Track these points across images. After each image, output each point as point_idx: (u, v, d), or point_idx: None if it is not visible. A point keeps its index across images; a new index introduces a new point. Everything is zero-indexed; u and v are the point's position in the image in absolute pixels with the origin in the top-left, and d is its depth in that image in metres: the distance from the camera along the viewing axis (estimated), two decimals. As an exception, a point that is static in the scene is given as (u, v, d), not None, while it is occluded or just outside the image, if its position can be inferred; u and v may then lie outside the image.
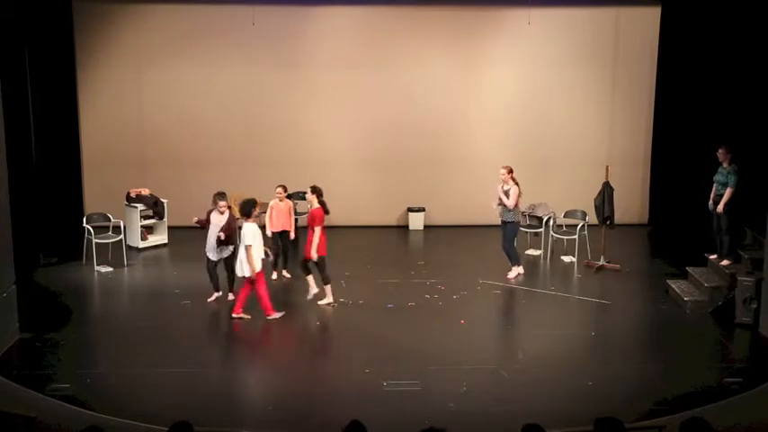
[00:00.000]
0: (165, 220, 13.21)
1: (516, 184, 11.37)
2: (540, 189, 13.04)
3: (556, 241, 12.81)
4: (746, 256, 10.56)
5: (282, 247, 11.25)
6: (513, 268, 11.63)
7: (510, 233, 11.57)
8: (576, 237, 12.27)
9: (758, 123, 11.28)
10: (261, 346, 9.72)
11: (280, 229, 11.06)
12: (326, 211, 10.38)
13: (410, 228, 14.39)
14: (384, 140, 14.21)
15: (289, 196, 11.23)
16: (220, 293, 10.61)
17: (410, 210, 14.40)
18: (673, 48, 13.78)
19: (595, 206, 12.17)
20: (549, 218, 12.80)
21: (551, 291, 11.14)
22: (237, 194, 13.14)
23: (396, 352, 8.97)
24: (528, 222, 12.79)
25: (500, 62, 14.18)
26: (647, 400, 7.83)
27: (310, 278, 10.44)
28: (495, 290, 11.17)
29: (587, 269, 12.07)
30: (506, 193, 11.37)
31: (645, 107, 14.36)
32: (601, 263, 12.05)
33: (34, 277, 11.36)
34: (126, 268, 12.08)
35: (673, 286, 10.83)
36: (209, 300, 10.56)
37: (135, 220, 12.94)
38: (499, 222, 11.71)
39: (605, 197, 11.99)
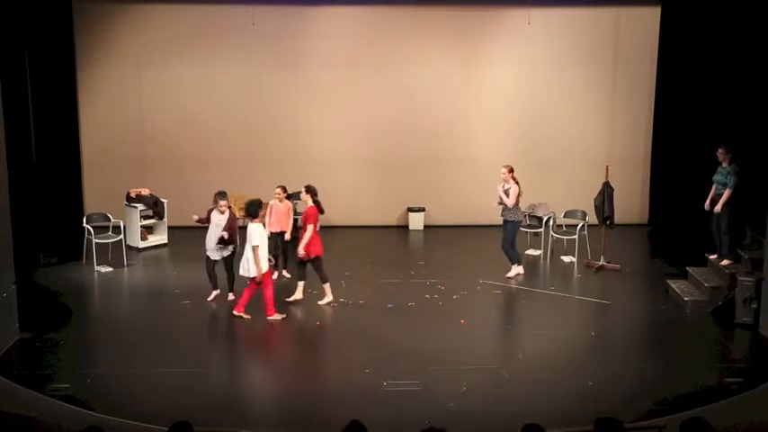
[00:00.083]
0: (165, 220, 13.21)
1: (516, 183, 11.38)
2: (540, 189, 13.04)
3: (556, 241, 12.81)
4: (746, 256, 10.56)
5: (282, 248, 11.26)
6: (513, 267, 11.63)
7: (510, 232, 11.57)
8: (575, 237, 12.27)
9: (758, 123, 11.28)
10: (261, 346, 9.72)
11: (279, 230, 11.06)
12: (321, 211, 10.42)
13: (410, 228, 14.39)
14: (384, 140, 14.22)
15: (289, 197, 11.22)
16: (218, 291, 10.62)
17: (410, 210, 14.40)
18: (673, 48, 13.78)
19: (595, 206, 12.17)
20: (549, 218, 12.80)
21: (551, 291, 11.14)
22: (237, 194, 13.17)
23: (396, 352, 8.97)
24: (528, 222, 12.80)
25: (500, 62, 14.18)
26: (647, 400, 7.83)
27: (301, 284, 10.48)
28: (495, 290, 11.17)
29: (587, 269, 12.07)
30: (507, 193, 11.38)
31: (645, 107, 14.36)
32: (601, 263, 12.05)
33: (34, 277, 11.36)
34: (126, 268, 12.08)
35: (673, 286, 10.83)
36: (208, 299, 10.57)
37: (135, 220, 12.94)
38: (499, 222, 11.72)
39: (605, 197, 12.00)
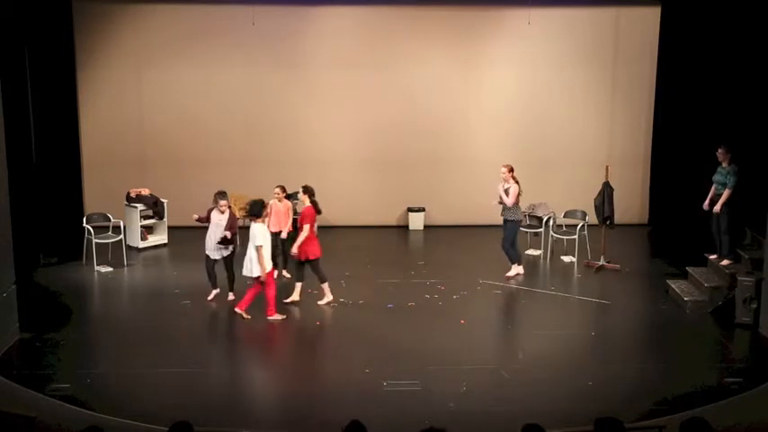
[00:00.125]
0: (165, 220, 13.21)
1: (517, 182, 11.39)
2: (540, 189, 13.04)
3: (556, 241, 12.81)
4: (746, 256, 10.56)
5: (282, 248, 11.25)
6: (513, 267, 11.63)
7: (511, 232, 11.58)
8: (575, 237, 12.27)
9: (758, 123, 11.28)
10: (261, 347, 9.72)
11: (278, 230, 11.06)
12: (318, 211, 10.44)
13: (410, 228, 14.39)
14: (384, 140, 14.21)
15: (288, 197, 11.22)
16: (218, 291, 10.62)
17: (410, 210, 14.40)
18: (673, 48, 13.77)
19: (595, 206, 12.17)
20: (549, 218, 12.80)
21: (551, 291, 11.14)
22: (237, 194, 13.17)
23: (396, 352, 8.97)
24: (528, 222, 12.80)
25: (500, 62, 14.18)
26: (647, 400, 7.83)
27: (299, 285, 10.48)
28: (495, 290, 11.17)
29: (587, 269, 12.07)
30: (507, 192, 11.39)
31: (645, 107, 14.36)
32: (601, 263, 12.05)
33: (34, 277, 11.36)
34: (126, 268, 12.08)
35: (673, 286, 10.83)
36: (208, 298, 10.58)
37: (135, 220, 12.94)
38: (499, 222, 11.72)
39: (605, 197, 12.00)
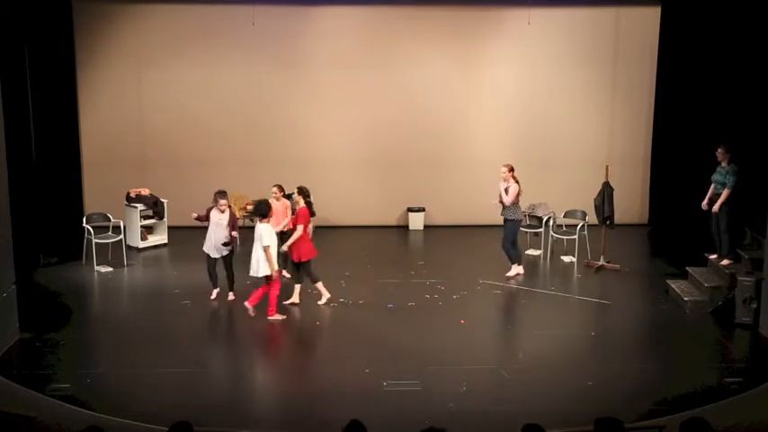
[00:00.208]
0: (165, 220, 13.21)
1: (517, 182, 11.39)
2: (540, 189, 13.04)
3: (556, 241, 12.81)
4: (746, 256, 10.56)
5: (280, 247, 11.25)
6: (513, 267, 11.63)
7: (511, 231, 11.58)
8: (575, 237, 12.27)
9: (758, 123, 11.28)
10: (261, 347, 9.71)
11: (276, 229, 11.03)
12: (312, 213, 10.44)
13: (410, 228, 14.39)
14: (384, 140, 14.22)
15: (287, 196, 11.22)
16: (218, 290, 10.62)
17: (410, 210, 14.40)
18: (673, 48, 13.78)
19: (595, 206, 12.17)
20: (549, 218, 12.80)
21: (551, 291, 11.14)
22: (237, 194, 13.17)
23: (396, 352, 8.97)
24: (528, 222, 12.80)
25: (500, 62, 14.18)
26: (647, 400, 7.83)
27: (298, 287, 10.48)
28: (495, 290, 11.17)
29: (587, 269, 12.07)
30: (507, 191, 11.39)
31: (645, 107, 14.36)
32: (601, 263, 12.05)
33: (34, 277, 11.36)
34: (126, 268, 12.08)
35: (673, 286, 10.83)
36: (211, 297, 10.58)
37: (135, 220, 12.95)
38: (499, 222, 11.72)
39: (605, 197, 11.99)
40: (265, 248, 9.74)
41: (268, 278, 9.86)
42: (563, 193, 13.59)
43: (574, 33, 14.06)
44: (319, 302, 10.42)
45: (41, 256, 12.05)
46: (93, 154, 14.03)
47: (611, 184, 12.06)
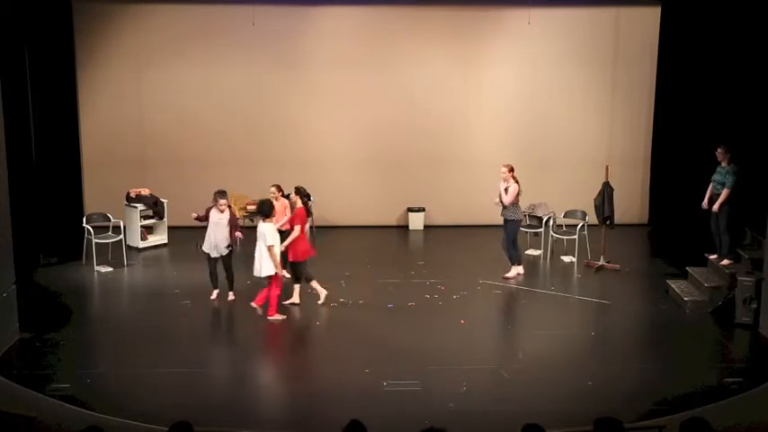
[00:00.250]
0: (165, 220, 13.21)
1: (517, 182, 11.39)
2: (540, 189, 13.04)
3: (556, 241, 12.81)
4: (746, 256, 10.56)
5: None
6: (513, 267, 11.63)
7: (510, 231, 11.58)
8: (575, 237, 12.27)
9: (758, 123, 11.28)
10: (261, 347, 9.72)
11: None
12: (309, 213, 10.45)
13: (410, 228, 14.39)
14: (384, 140, 14.21)
15: (286, 196, 11.22)
16: (219, 291, 10.63)
17: (410, 210, 14.40)
18: (673, 48, 13.78)
19: (595, 206, 12.17)
20: (549, 218, 12.80)
21: (551, 291, 11.14)
22: (237, 194, 13.17)
23: (396, 352, 8.97)
24: (528, 222, 12.80)
25: (500, 62, 14.18)
26: (647, 400, 7.83)
27: (297, 287, 10.49)
28: (495, 290, 11.17)
29: (587, 269, 12.07)
30: (507, 191, 11.39)
31: (645, 107, 14.36)
32: (601, 263, 12.05)
33: (34, 277, 11.36)
34: (126, 268, 12.08)
35: (673, 286, 10.83)
36: (212, 297, 10.58)
37: (135, 220, 12.94)
38: (499, 222, 11.72)
39: (605, 197, 11.99)
40: (269, 248, 9.75)
41: (271, 278, 9.85)
42: (563, 193, 13.59)
43: (574, 33, 14.06)
44: (319, 302, 10.41)
45: (41, 256, 12.05)
46: (93, 154, 14.03)
47: (611, 184, 12.06)
